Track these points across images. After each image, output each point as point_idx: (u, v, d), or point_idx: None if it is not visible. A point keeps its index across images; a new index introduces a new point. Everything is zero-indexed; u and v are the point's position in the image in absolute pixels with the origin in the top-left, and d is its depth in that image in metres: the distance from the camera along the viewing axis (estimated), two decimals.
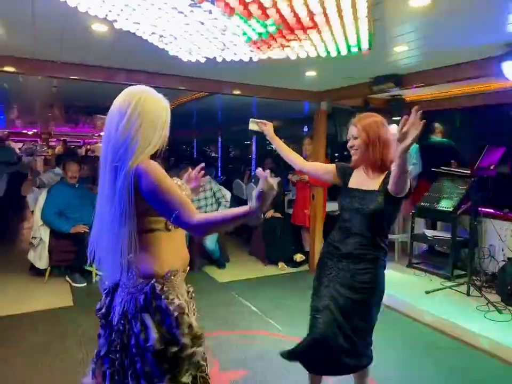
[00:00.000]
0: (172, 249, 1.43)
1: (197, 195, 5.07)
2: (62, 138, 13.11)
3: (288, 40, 2.55)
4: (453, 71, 3.44)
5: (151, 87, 1.43)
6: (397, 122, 5.19)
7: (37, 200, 4.67)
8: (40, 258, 4.56)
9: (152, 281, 1.37)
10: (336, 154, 7.74)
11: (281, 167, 6.21)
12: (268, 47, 2.66)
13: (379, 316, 2.08)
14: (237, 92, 4.89)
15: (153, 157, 1.38)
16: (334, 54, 2.82)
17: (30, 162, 10.39)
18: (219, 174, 10.14)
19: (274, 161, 6.86)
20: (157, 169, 1.31)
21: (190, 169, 1.81)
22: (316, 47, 2.69)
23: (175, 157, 11.16)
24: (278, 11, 2.03)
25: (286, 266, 5.32)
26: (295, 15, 2.08)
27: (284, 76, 4.22)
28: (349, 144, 2.02)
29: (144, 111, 1.34)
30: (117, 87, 1.40)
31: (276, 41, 2.49)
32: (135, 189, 1.28)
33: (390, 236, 5.39)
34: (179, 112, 7.08)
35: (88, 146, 14.13)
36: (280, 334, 3.47)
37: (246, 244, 6.19)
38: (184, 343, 1.36)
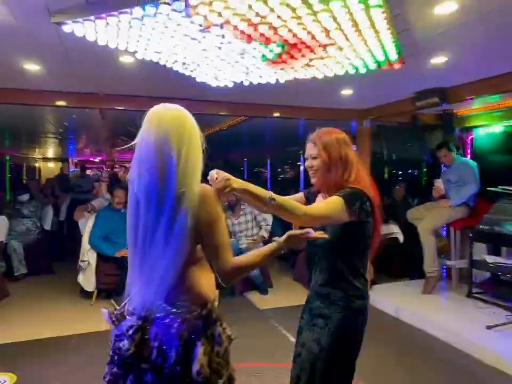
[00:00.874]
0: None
1: (237, 218, 5.09)
2: (124, 165, 13.87)
3: (311, 60, 2.46)
4: (504, 80, 3.11)
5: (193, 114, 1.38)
6: (450, 138, 4.77)
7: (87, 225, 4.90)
8: (88, 281, 4.75)
9: (209, 306, 1.33)
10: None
11: None
12: (288, 64, 2.57)
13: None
14: (277, 114, 4.85)
15: None
16: (362, 70, 2.66)
17: (96, 188, 11.13)
18: None
19: None
20: (216, 200, 1.30)
21: None
22: (341, 64, 2.56)
23: None
24: (289, 30, 1.95)
25: None
26: (309, 32, 1.99)
27: (319, 95, 4.11)
28: (307, 164, 1.77)
29: (193, 132, 1.29)
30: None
31: (295, 59, 2.40)
32: (196, 214, 1.24)
33: (448, 262, 4.95)
34: (230, 133, 7.19)
35: None
36: None
37: (291, 269, 6.00)
38: (229, 374, 1.35)
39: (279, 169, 12.23)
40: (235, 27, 1.91)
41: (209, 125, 6.82)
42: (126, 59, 2.69)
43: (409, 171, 8.39)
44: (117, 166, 15.66)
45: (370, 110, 4.62)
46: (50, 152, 12.58)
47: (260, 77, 2.85)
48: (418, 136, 4.98)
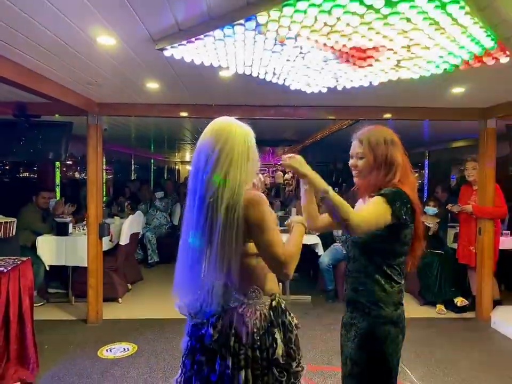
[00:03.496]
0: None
1: None
2: None
3: (399, 61, 2.37)
4: None
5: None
6: None
7: None
8: None
9: (277, 297, 1.50)
10: None
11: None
12: (373, 67, 2.50)
13: None
14: (387, 116, 4.67)
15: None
16: (463, 67, 2.44)
17: None
18: None
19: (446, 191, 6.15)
20: (262, 202, 1.40)
21: None
22: (435, 63, 2.40)
23: (347, 182, 11.19)
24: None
25: (445, 310, 4.63)
26: (384, 36, 1.94)
27: (431, 95, 3.83)
28: (351, 163, 1.70)
29: (235, 143, 1.39)
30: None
31: (379, 61, 2.34)
32: (244, 218, 1.37)
33: None
34: (349, 136, 7.13)
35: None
36: None
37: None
38: (300, 360, 1.50)
39: None
40: (308, 38, 1.99)
41: (318, 130, 6.88)
42: (224, 73, 2.97)
43: None
44: None
45: (495, 108, 4.10)
46: (187, 156, 14.13)
47: (351, 81, 2.84)
48: None
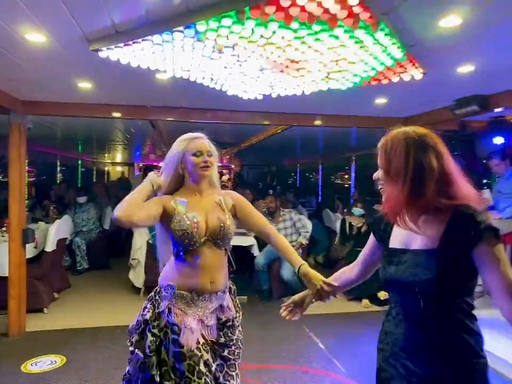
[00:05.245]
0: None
1: (276, 224, 5.21)
2: None
3: (329, 73, 2.54)
4: None
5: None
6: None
7: None
8: (138, 277, 5.15)
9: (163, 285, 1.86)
10: None
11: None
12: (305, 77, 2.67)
13: None
14: (318, 123, 4.92)
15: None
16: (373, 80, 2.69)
17: None
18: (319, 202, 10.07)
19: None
20: None
21: None
22: (359, 76, 2.61)
23: (280, 185, 11.52)
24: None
25: (370, 304, 4.98)
26: (316, 50, 2.09)
27: (357, 104, 4.13)
28: (375, 176, 1.36)
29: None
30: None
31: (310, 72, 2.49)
32: None
33: None
34: (284, 141, 7.37)
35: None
36: (340, 376, 3.27)
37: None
38: None
39: (332, 176, 12.15)
40: (245, 48, 2.08)
41: (253, 134, 7.05)
42: (161, 76, 2.96)
43: None
44: None
45: (410, 119, 4.53)
46: (118, 157, 13.61)
47: (285, 89, 2.98)
48: (467, 144, 4.78)
